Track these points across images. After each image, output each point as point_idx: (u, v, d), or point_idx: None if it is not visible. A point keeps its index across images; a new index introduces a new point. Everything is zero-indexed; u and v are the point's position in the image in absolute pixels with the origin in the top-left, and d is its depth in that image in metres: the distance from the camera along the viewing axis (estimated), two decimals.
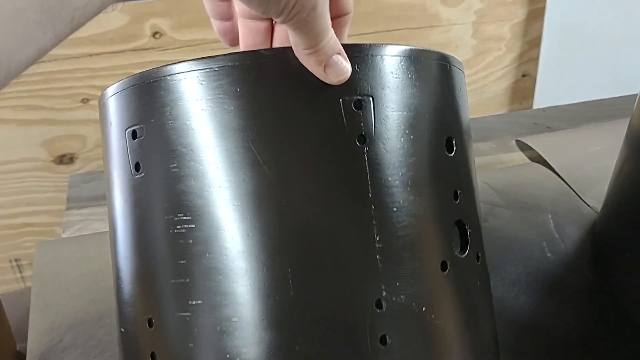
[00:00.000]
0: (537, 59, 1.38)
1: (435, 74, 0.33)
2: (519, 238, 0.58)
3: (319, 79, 0.30)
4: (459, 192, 0.33)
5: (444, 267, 0.32)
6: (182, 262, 0.29)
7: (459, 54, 1.33)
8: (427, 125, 0.32)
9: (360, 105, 0.30)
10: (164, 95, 0.30)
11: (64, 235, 0.61)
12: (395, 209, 0.30)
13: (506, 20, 1.35)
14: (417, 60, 0.32)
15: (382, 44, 0.31)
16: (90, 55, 1.06)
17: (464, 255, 0.33)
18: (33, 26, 0.21)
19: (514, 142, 0.75)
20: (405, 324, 0.30)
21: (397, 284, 0.30)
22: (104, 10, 0.24)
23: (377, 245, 0.30)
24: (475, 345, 0.33)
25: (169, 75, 0.30)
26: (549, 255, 0.55)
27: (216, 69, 0.29)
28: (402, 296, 0.30)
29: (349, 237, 0.30)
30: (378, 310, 0.29)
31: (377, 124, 0.30)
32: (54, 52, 1.03)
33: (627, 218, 0.51)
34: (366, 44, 0.31)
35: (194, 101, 0.29)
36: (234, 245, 0.29)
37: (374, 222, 0.30)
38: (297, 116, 0.30)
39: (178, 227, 0.29)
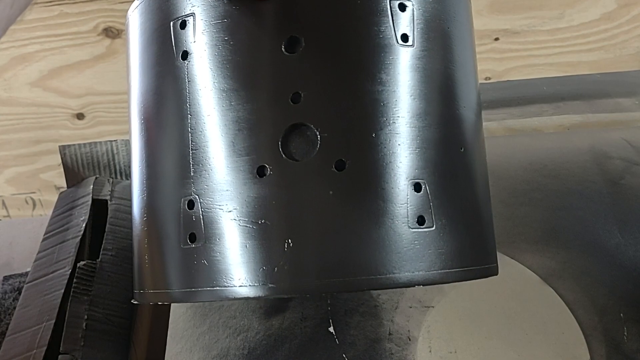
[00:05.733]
0: None
1: None
2: None
3: None
4: (301, 93, 0.31)
5: (261, 172, 0.31)
6: None
7: (600, 5, 1.24)
8: (253, 31, 0.32)
9: (184, 24, 0.33)
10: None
11: None
12: (208, 114, 0.32)
13: None
14: None
15: None
16: None
17: (303, 160, 0.31)
18: None
19: None
20: (214, 225, 0.31)
21: (206, 186, 0.32)
22: None
23: (190, 151, 0.33)
24: (299, 260, 0.30)
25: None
26: None
27: None
28: (209, 198, 0.32)
29: (174, 145, 0.34)
30: (189, 211, 0.32)
31: (196, 39, 0.33)
32: None
33: None
34: None
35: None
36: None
37: (189, 129, 0.33)
38: (150, 42, 0.36)
39: None
